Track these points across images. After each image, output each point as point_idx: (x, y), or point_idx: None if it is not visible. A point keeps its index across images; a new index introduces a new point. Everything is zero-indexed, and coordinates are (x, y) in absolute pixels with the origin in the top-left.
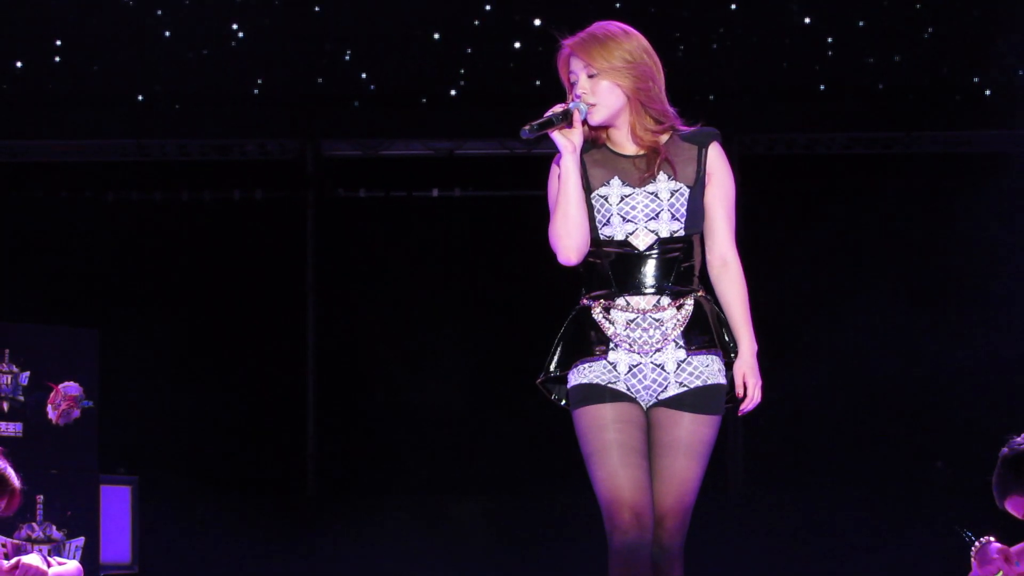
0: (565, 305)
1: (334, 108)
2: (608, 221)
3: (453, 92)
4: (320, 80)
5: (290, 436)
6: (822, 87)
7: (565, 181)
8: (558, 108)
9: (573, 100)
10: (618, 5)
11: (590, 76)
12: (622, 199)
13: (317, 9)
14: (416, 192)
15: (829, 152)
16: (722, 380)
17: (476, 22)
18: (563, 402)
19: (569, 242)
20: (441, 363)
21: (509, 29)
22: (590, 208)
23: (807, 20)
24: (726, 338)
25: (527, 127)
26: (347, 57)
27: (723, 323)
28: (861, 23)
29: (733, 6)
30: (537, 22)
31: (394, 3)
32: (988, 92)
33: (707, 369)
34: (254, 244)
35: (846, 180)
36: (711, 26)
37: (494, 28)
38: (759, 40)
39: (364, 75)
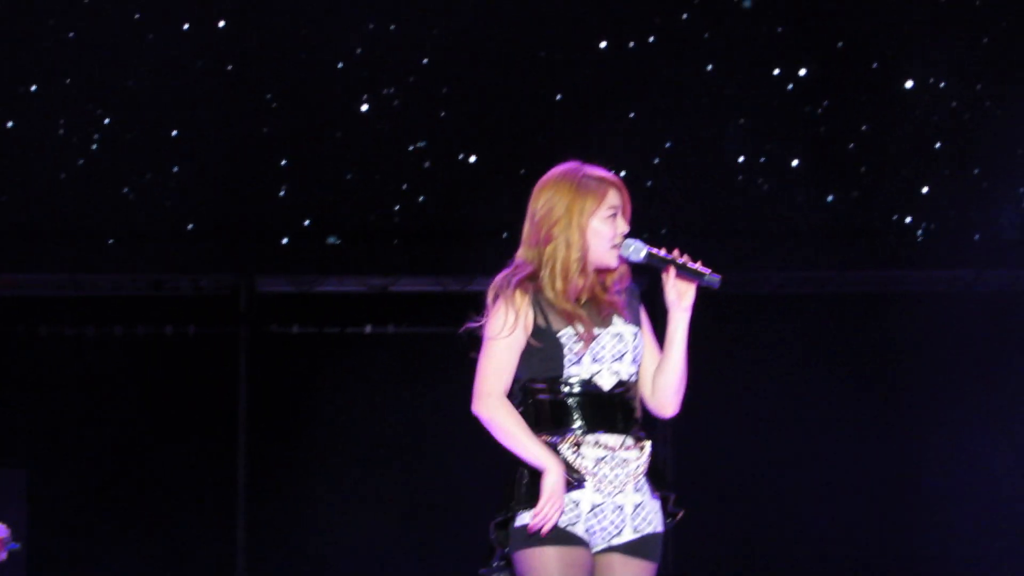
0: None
1: (268, 244)
2: (579, 360)
3: (387, 228)
4: (254, 216)
5: (221, 574)
6: (755, 227)
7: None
8: (690, 260)
9: (634, 242)
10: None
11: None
12: (594, 338)
13: (253, 149)
14: (349, 328)
15: (761, 292)
16: (662, 529)
17: (411, 158)
18: (505, 548)
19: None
20: (375, 501)
21: (444, 165)
22: (556, 346)
23: (741, 159)
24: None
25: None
26: (281, 193)
27: (665, 470)
28: (795, 163)
29: (668, 144)
30: (473, 159)
31: (328, 139)
32: (920, 233)
33: (656, 517)
34: (187, 380)
35: (781, 318)
36: (645, 165)
37: (429, 164)
38: (693, 180)
39: (298, 211)
